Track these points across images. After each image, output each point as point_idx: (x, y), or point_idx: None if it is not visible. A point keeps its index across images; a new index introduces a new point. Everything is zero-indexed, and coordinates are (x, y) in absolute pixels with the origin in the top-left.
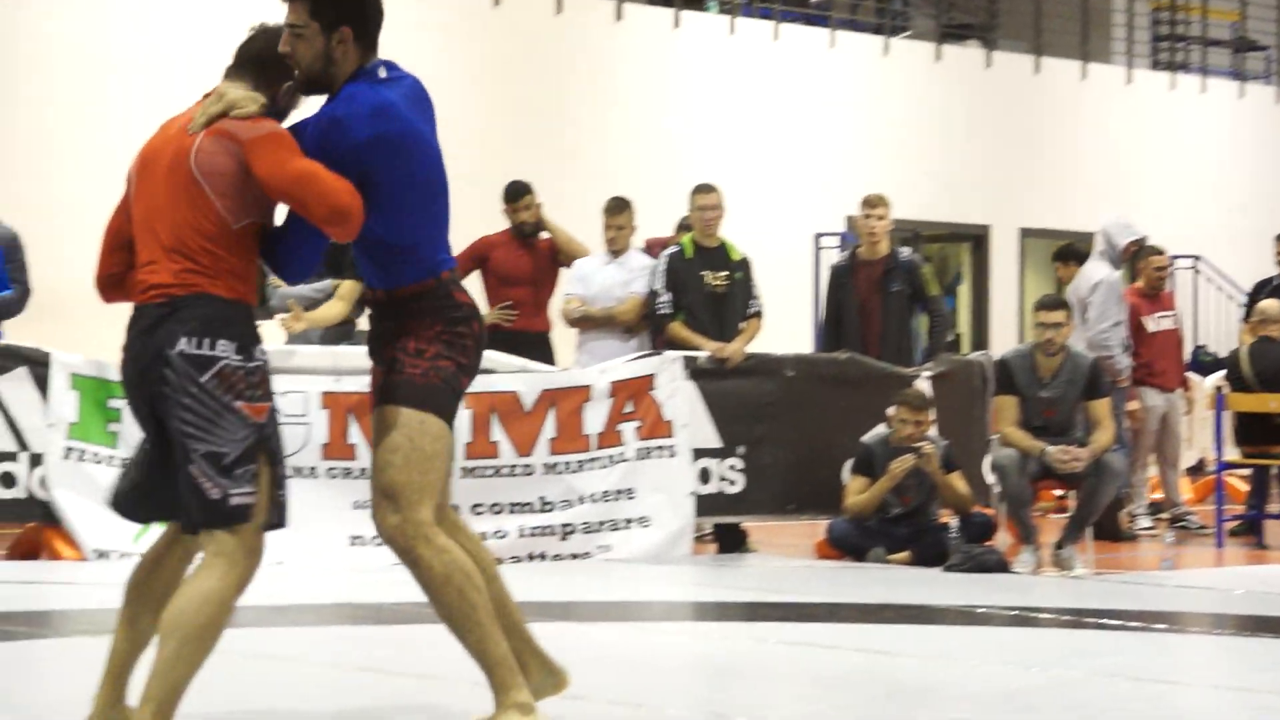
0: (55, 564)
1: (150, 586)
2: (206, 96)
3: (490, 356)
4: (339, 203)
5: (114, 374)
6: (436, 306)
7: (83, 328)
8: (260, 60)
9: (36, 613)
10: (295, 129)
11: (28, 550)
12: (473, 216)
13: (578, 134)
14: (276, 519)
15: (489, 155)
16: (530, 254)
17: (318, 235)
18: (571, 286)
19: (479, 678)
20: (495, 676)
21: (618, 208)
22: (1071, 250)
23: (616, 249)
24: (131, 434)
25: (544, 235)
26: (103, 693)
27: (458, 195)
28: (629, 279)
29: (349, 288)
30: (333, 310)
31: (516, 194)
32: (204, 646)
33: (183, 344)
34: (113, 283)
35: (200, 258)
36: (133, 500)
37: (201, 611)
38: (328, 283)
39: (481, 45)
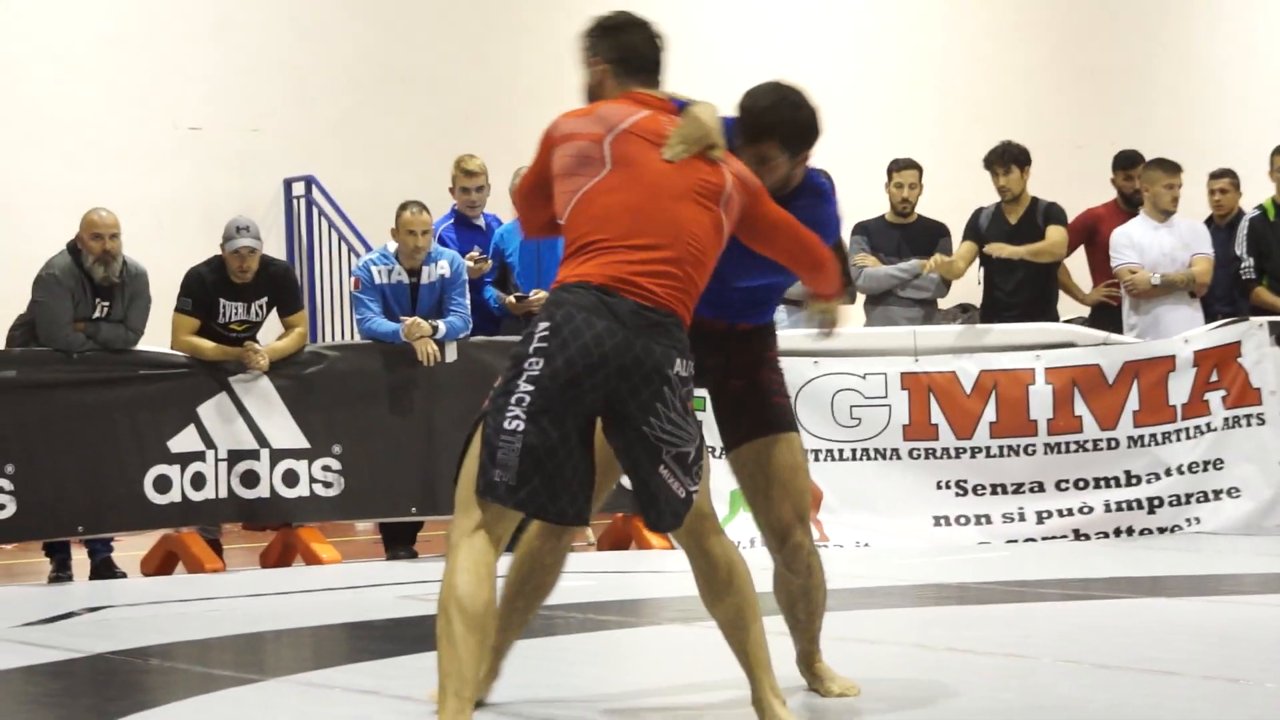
0: (644, 553)
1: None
2: (668, 111)
3: (1072, 330)
4: (825, 253)
5: None
6: (774, 333)
7: None
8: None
9: (629, 602)
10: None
11: (618, 540)
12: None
13: (1154, 97)
14: None
15: (1058, 121)
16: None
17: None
18: (1123, 255)
19: (1069, 653)
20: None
21: (1175, 169)
22: None
23: (1168, 210)
24: None
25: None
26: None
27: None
28: (1187, 242)
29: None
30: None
31: (1130, 162)
32: None
33: (679, 366)
34: (552, 226)
35: (685, 279)
36: (538, 496)
37: (753, 583)
38: (914, 263)
39: (1052, 13)
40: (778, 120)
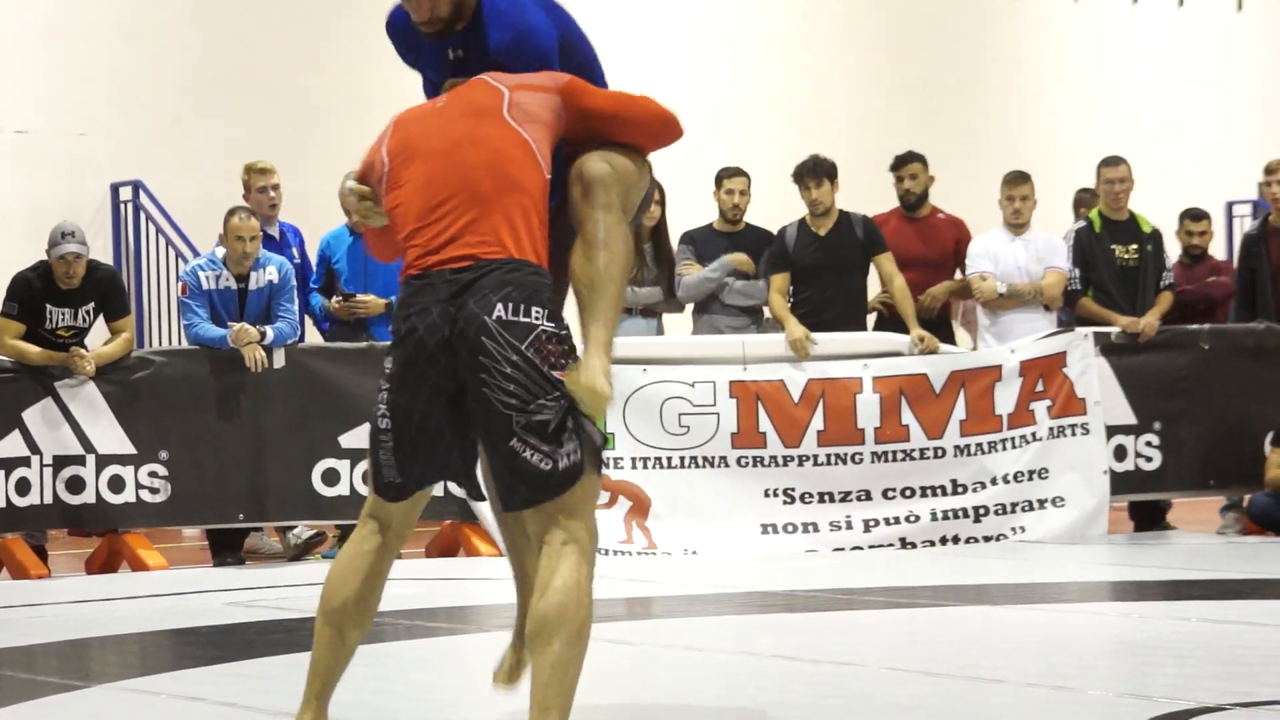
0: (472, 560)
1: (361, 597)
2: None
3: (900, 339)
4: (665, 111)
5: None
6: None
7: None
8: None
9: (457, 609)
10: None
11: (446, 547)
12: (870, 194)
13: (978, 109)
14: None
15: (888, 133)
16: (922, 232)
17: None
18: (976, 263)
19: (895, 661)
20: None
21: (1021, 179)
22: None
23: (1021, 222)
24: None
25: (940, 213)
26: (308, 713)
27: (858, 172)
28: (1041, 256)
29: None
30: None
31: (899, 162)
32: (586, 641)
33: (500, 310)
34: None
35: (491, 211)
36: (417, 472)
37: (580, 605)
38: (724, 260)
39: (881, 24)
40: None
